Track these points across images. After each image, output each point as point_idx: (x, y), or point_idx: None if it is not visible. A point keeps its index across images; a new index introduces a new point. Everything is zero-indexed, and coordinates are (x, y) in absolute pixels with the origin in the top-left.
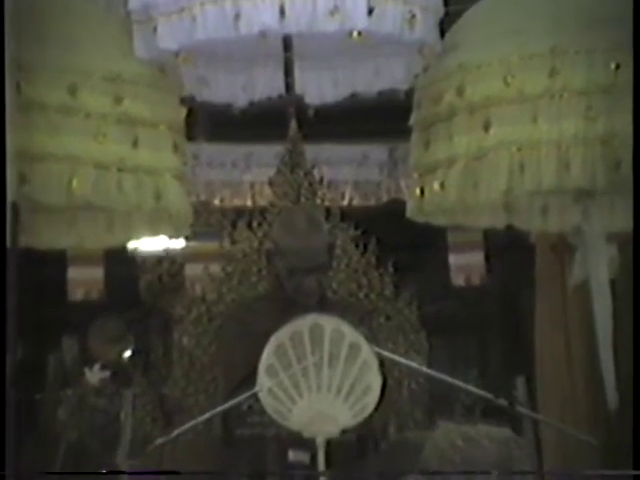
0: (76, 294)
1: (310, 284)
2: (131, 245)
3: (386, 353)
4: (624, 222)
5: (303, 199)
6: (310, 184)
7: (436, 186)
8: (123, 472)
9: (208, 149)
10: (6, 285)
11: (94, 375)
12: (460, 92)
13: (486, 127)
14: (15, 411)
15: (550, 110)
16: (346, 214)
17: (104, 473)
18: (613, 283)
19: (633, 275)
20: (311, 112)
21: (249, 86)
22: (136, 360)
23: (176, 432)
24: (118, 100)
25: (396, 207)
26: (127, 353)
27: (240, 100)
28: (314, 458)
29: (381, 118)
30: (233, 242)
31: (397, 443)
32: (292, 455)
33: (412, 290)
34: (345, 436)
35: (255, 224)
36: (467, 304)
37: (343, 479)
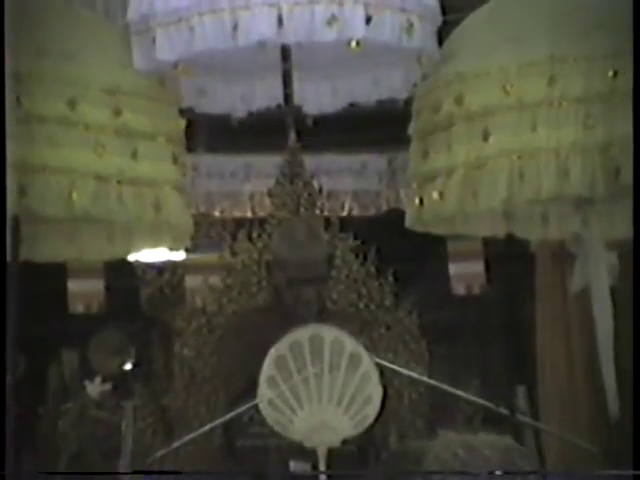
0: (76, 307)
1: (310, 295)
2: (131, 257)
3: (386, 363)
4: (624, 229)
5: (302, 209)
6: (309, 194)
7: (435, 195)
8: (123, 473)
9: (207, 160)
10: (6, 298)
11: (95, 388)
12: (459, 101)
13: (485, 136)
14: (15, 424)
15: (549, 118)
16: (345, 224)
17: (104, 474)
18: (613, 291)
19: (633, 282)
20: (310, 122)
21: (248, 96)
22: (137, 372)
23: (177, 444)
24: (117, 112)
25: (395, 217)
26: (128, 365)
27: (239, 111)
28: (315, 468)
29: (380, 127)
30: (233, 253)
31: (398, 453)
32: (293, 465)
33: (412, 300)
34: (346, 446)
35: (255, 235)
36: (467, 313)
37: None
